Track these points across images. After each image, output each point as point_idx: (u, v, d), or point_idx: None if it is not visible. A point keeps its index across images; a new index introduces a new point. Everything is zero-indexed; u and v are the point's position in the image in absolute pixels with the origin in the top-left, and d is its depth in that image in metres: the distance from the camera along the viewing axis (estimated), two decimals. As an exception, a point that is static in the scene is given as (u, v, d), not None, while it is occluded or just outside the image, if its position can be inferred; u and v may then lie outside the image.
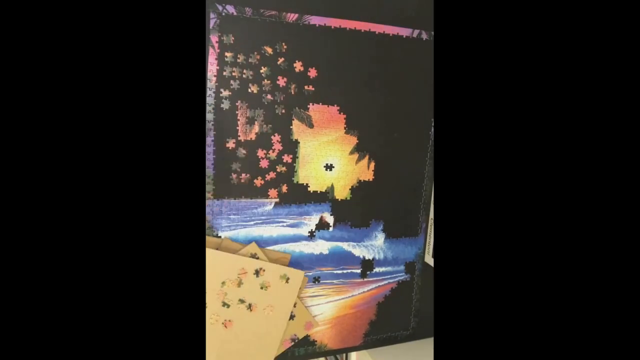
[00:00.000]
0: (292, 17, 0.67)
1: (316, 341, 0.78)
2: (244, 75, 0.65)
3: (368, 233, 0.79)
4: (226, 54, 0.64)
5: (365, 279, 0.80)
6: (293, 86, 0.68)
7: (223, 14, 0.63)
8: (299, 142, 0.70)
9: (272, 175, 0.69)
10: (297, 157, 0.70)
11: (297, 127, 0.70)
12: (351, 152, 0.74)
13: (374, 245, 0.79)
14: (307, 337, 0.77)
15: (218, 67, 0.64)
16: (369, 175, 0.76)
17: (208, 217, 0.67)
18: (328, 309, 0.78)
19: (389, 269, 0.82)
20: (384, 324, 0.83)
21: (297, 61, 0.67)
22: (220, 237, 0.68)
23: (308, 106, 0.69)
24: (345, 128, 0.72)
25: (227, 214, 0.69)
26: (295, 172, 0.71)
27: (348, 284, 0.79)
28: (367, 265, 0.79)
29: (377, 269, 0.81)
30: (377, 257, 0.80)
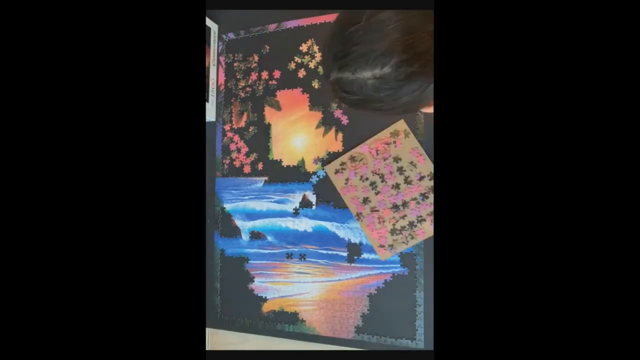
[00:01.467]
0: (272, 27, 0.84)
1: (305, 321, 0.79)
2: (239, 85, 0.85)
3: (352, 215, 0.76)
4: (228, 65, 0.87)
5: (353, 265, 0.76)
6: (261, 87, 0.83)
7: (227, 40, 0.88)
8: (270, 125, 0.82)
9: (254, 155, 0.83)
10: (270, 138, 0.82)
11: (268, 112, 0.82)
12: (317, 126, 0.78)
13: (359, 228, 0.76)
14: (295, 314, 0.80)
15: (225, 78, 0.87)
16: (337, 146, 0.77)
17: (217, 191, 0.87)
18: (315, 289, 0.79)
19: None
20: (379, 322, 0.74)
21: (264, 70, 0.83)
22: (225, 207, 0.86)
23: (276, 93, 0.81)
24: (309, 105, 0.78)
25: (229, 189, 0.86)
26: (270, 150, 0.82)
27: (334, 266, 0.77)
28: (353, 250, 0.76)
29: (365, 255, 0.75)
30: (364, 241, 0.75)
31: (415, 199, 0.71)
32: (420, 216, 0.71)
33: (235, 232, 0.85)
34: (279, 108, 0.81)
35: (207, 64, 0.85)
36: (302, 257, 0.80)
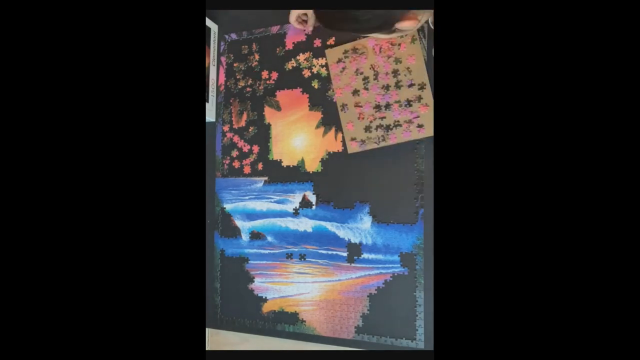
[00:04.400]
0: (275, 28, 0.84)
1: (305, 321, 0.79)
2: (239, 85, 0.85)
3: (352, 215, 0.76)
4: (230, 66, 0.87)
5: (353, 265, 0.76)
6: (261, 87, 0.83)
7: (229, 40, 0.88)
8: (270, 125, 0.82)
9: (254, 155, 0.83)
10: (270, 138, 0.82)
11: (268, 112, 0.82)
12: (317, 127, 0.78)
13: (359, 228, 0.76)
14: (295, 314, 0.80)
15: (225, 78, 0.87)
16: (337, 147, 0.77)
17: (217, 191, 0.87)
18: (315, 289, 0.79)
19: (379, 256, 0.74)
20: (379, 322, 0.74)
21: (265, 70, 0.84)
22: (225, 207, 0.86)
23: (275, 93, 0.81)
24: (309, 105, 0.79)
25: (229, 189, 0.86)
26: (270, 150, 0.82)
27: (334, 266, 0.77)
28: (354, 250, 0.76)
29: (365, 255, 0.75)
30: (364, 241, 0.75)
31: (399, 102, 0.72)
32: (397, 121, 0.72)
33: (235, 232, 0.85)
34: (278, 108, 0.81)
35: (206, 64, 0.85)
36: (302, 257, 0.80)
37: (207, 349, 0.87)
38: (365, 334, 0.75)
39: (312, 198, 0.79)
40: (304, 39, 0.80)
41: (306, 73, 0.79)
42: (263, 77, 0.83)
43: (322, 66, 0.78)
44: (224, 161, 0.86)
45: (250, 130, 0.84)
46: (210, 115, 0.86)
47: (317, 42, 0.79)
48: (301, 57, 0.80)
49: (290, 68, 0.81)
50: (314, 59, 0.79)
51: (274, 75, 0.82)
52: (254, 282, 0.83)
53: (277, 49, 0.82)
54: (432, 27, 0.66)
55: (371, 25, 0.52)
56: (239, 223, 0.85)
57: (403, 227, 0.73)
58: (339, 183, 0.77)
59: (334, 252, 0.77)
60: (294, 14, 0.73)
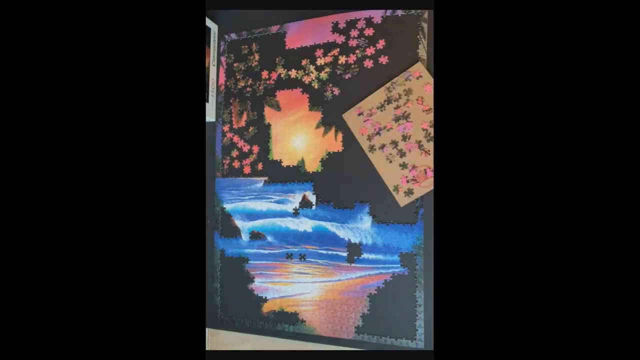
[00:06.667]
0: (275, 28, 0.84)
1: (305, 321, 0.79)
2: (239, 85, 0.86)
3: (352, 215, 0.76)
4: (231, 66, 0.87)
5: (353, 265, 0.76)
6: (261, 87, 0.83)
7: (229, 40, 0.88)
8: (270, 125, 0.82)
9: (254, 155, 0.83)
10: (270, 138, 0.82)
11: (268, 112, 0.82)
12: (317, 127, 0.78)
13: (359, 228, 0.76)
14: (295, 314, 0.80)
15: (225, 78, 0.87)
16: (337, 147, 0.77)
17: (217, 191, 0.87)
18: (315, 289, 0.79)
19: (379, 256, 0.74)
20: (379, 322, 0.74)
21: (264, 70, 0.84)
22: (225, 207, 0.86)
23: (275, 93, 0.81)
24: (309, 105, 0.79)
25: (229, 189, 0.86)
26: (270, 150, 0.82)
27: (333, 266, 0.77)
28: (354, 250, 0.76)
29: (365, 255, 0.75)
30: (364, 241, 0.75)
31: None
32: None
33: (235, 232, 0.85)
34: (278, 108, 0.81)
35: (206, 64, 0.85)
36: (302, 257, 0.80)
37: (207, 349, 0.87)
38: (365, 334, 0.75)
39: (312, 198, 0.79)
40: (306, 45, 0.80)
41: (306, 79, 0.79)
42: (263, 77, 0.83)
43: (321, 68, 0.78)
44: (224, 161, 0.86)
45: (250, 130, 0.84)
46: (210, 115, 0.86)
47: (319, 53, 0.79)
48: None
49: (286, 72, 0.81)
50: (311, 66, 0.79)
51: (274, 75, 0.82)
52: (254, 282, 0.83)
53: (277, 49, 0.82)
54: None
55: None
56: (239, 223, 0.85)
57: (403, 227, 0.73)
58: (339, 183, 0.77)
59: (334, 252, 0.77)
60: None
